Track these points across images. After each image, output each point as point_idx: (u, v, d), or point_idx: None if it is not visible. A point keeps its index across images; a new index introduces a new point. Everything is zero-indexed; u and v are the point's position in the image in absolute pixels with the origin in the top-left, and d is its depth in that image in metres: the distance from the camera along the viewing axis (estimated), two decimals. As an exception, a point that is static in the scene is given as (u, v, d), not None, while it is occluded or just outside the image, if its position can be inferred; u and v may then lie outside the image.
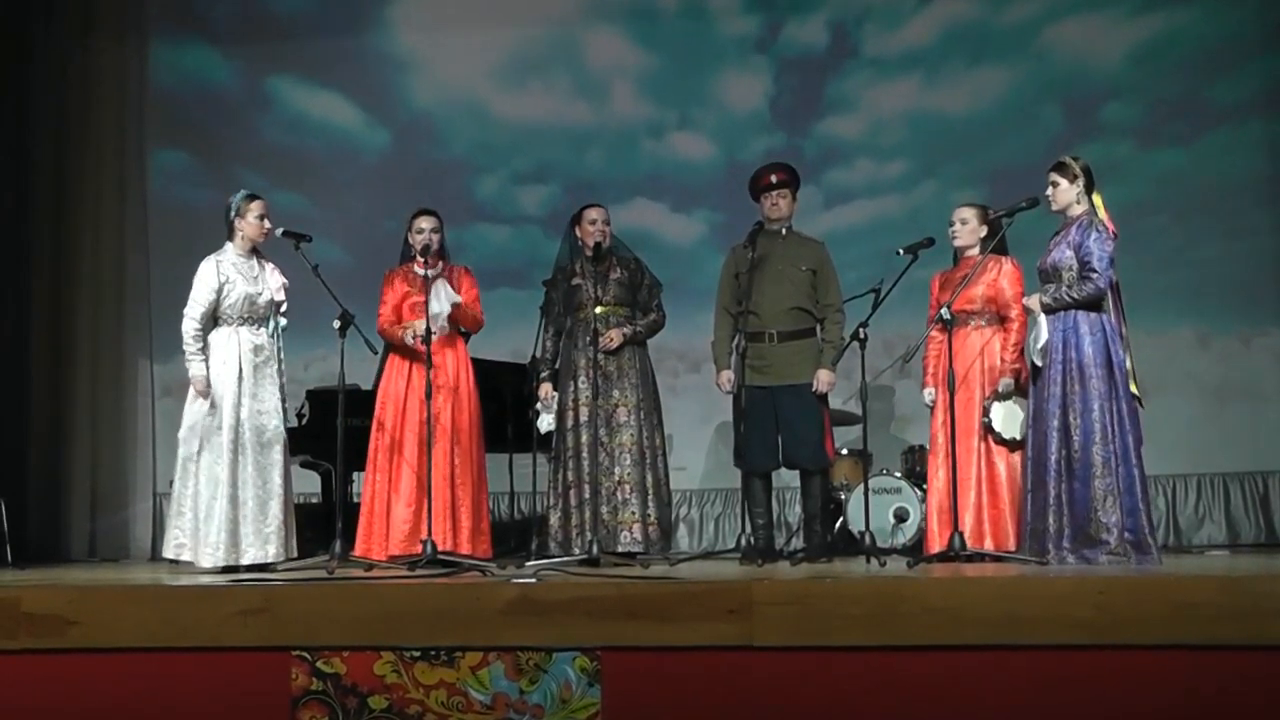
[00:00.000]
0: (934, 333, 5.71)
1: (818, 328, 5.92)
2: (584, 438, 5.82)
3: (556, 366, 6.02)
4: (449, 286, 5.77)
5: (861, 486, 6.31)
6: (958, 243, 5.73)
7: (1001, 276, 5.63)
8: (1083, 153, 5.45)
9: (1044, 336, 5.18)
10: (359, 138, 8.61)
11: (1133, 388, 5.19)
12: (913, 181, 8.20)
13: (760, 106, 8.40)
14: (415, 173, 8.38)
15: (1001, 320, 5.65)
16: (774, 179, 5.93)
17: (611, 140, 8.48)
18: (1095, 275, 5.09)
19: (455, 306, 5.76)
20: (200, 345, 5.52)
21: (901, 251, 5.64)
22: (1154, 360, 7.58)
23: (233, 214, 5.65)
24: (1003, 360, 5.60)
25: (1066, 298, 5.14)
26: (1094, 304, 5.16)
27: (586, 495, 5.74)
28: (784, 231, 5.96)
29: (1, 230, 7.99)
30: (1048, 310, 5.19)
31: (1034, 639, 3.73)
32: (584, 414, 5.84)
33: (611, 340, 5.85)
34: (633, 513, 5.79)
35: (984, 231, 5.68)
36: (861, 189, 8.22)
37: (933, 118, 8.18)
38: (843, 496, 6.85)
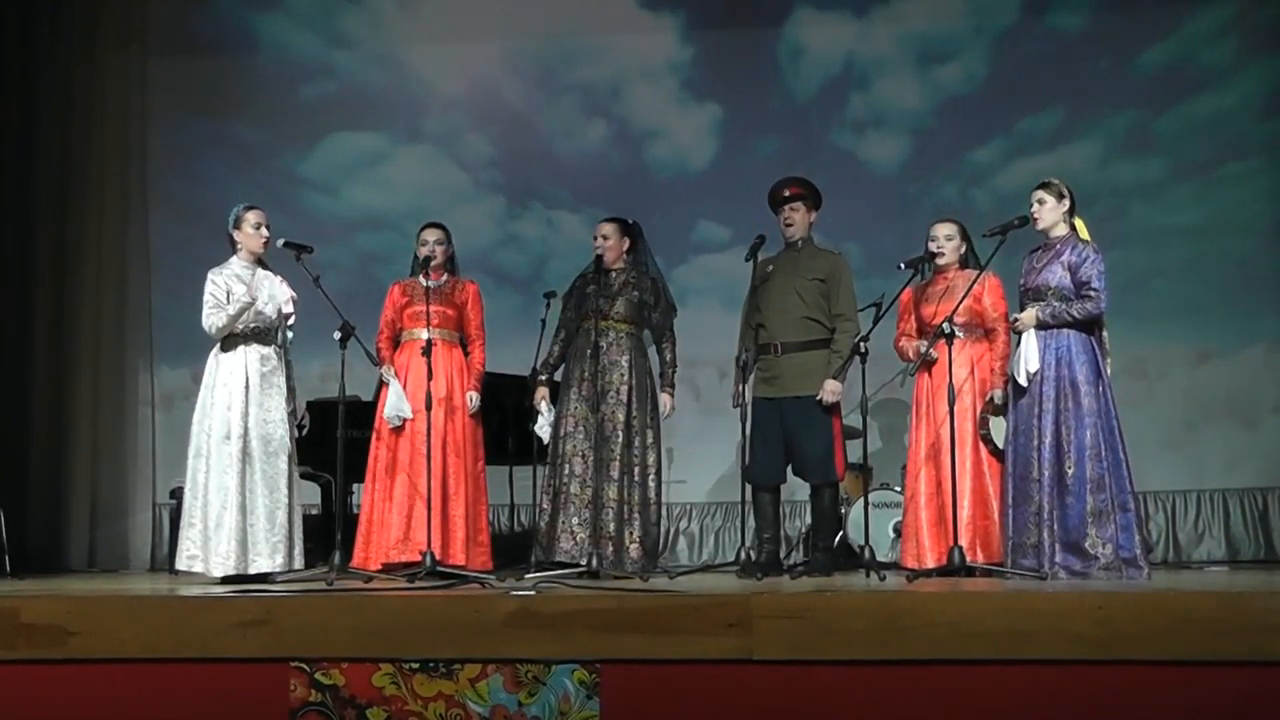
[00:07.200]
0: (935, 347, 5.70)
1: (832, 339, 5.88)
2: (568, 447, 5.77)
3: (557, 375, 5.99)
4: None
5: (862, 500, 6.32)
6: (942, 260, 5.74)
7: (985, 291, 5.64)
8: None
9: (1034, 363, 5.19)
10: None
11: None
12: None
13: None
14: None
15: (985, 333, 5.66)
16: (787, 193, 5.91)
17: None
18: (1096, 294, 5.15)
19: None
20: (226, 300, 5.50)
21: (903, 265, 5.66)
22: (1153, 376, 7.62)
23: (231, 226, 5.67)
24: (990, 373, 5.60)
25: (1067, 315, 5.17)
26: (1090, 324, 5.20)
27: (562, 503, 5.69)
28: (800, 244, 5.94)
29: (4, 240, 8.01)
30: (1043, 326, 5.21)
31: (1034, 654, 3.72)
32: (570, 424, 5.79)
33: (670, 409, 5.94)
34: (608, 529, 5.65)
35: (964, 247, 5.71)
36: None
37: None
38: (843, 510, 6.85)
